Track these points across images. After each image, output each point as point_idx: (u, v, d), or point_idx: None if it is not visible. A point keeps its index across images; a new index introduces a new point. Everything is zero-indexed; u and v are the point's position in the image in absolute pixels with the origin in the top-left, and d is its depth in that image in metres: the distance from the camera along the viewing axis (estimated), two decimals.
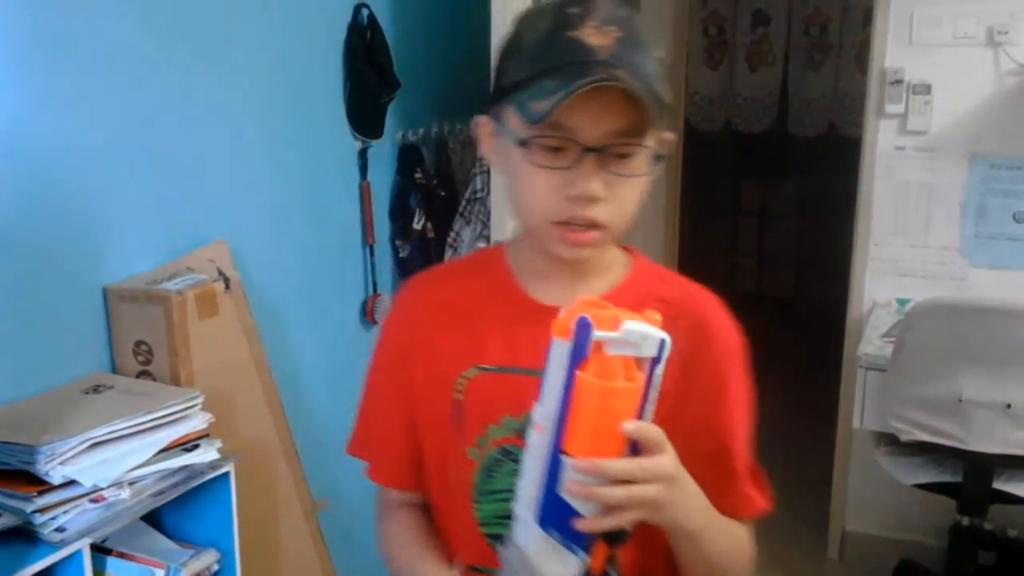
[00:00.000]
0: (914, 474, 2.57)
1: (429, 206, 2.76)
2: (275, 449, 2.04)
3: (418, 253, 2.75)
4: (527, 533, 0.81)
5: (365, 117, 2.56)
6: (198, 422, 1.67)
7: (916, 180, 3.00)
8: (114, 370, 1.80)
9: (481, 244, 2.52)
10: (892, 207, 3.03)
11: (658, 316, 0.83)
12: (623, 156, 0.94)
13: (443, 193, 2.82)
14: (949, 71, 2.92)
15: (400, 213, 2.73)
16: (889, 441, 2.61)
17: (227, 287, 1.92)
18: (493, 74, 1.02)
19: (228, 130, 2.10)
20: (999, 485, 2.45)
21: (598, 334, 0.78)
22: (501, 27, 2.21)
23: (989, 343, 2.33)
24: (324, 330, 2.48)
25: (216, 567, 1.69)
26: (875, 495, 3.14)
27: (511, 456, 1.01)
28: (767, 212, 5.90)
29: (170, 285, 1.79)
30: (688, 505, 0.92)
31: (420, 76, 2.77)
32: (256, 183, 2.20)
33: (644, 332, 0.79)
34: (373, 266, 2.64)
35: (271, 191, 2.25)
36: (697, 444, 0.97)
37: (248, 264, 2.13)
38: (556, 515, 0.80)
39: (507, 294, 1.06)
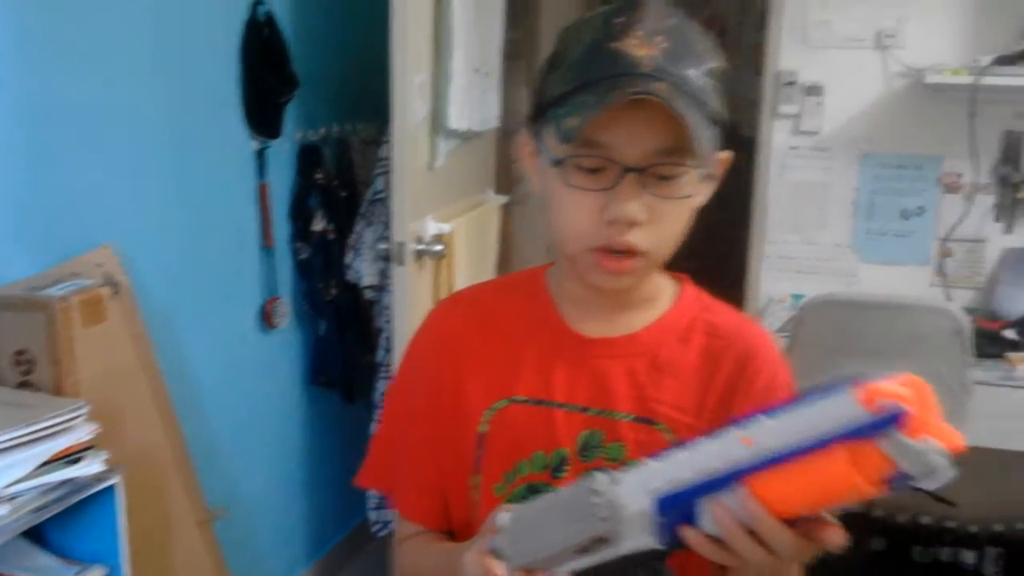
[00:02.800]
0: None
1: (330, 207, 2.73)
2: (166, 458, 1.98)
3: (319, 255, 2.72)
4: (637, 497, 0.75)
5: (262, 117, 2.51)
6: (82, 433, 1.61)
7: (809, 179, 3.09)
8: None
9: (383, 246, 2.50)
10: (787, 205, 3.11)
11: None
12: (666, 177, 0.88)
13: (344, 194, 2.79)
14: (840, 73, 3.01)
15: (300, 214, 2.69)
16: None
17: (115, 292, 1.86)
18: (536, 89, 0.96)
19: (117, 130, 2.03)
20: None
21: (899, 437, 0.65)
22: (401, 26, 2.19)
23: (877, 336, 2.42)
24: (220, 335, 2.43)
25: None
26: None
27: (556, 477, 0.97)
28: None
29: (53, 291, 1.73)
30: None
31: (320, 75, 2.73)
32: (147, 185, 2.14)
33: (935, 462, 0.65)
34: (272, 269, 2.60)
35: (163, 193, 2.19)
36: None
37: (139, 269, 2.07)
38: (676, 509, 0.74)
39: (545, 322, 1.01)
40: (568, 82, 0.89)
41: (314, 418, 2.87)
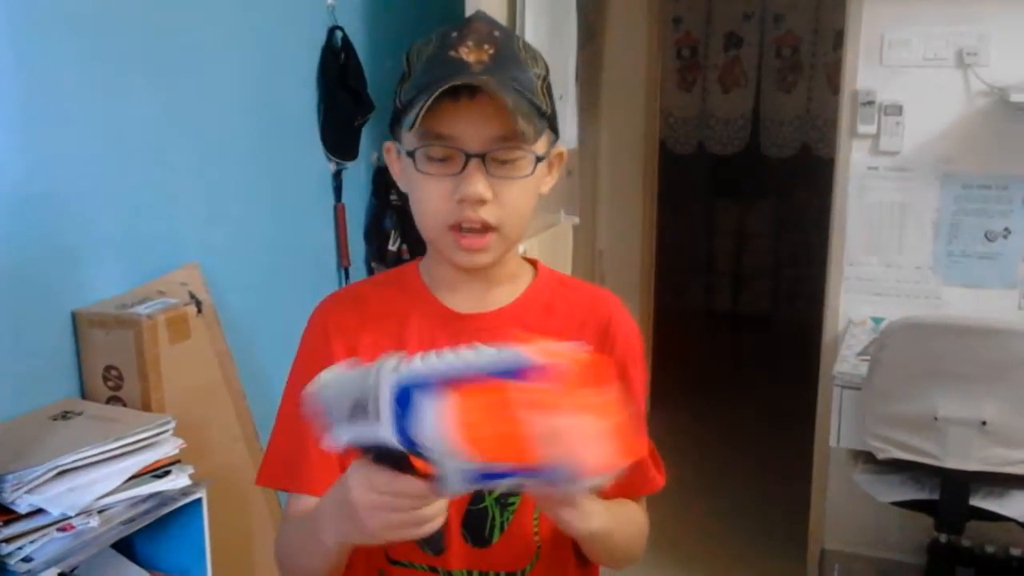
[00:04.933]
0: (891, 492, 2.57)
1: (404, 228, 2.75)
2: (249, 474, 2.00)
3: None
4: (388, 378, 0.79)
5: (339, 139, 2.55)
6: (169, 448, 1.65)
7: (889, 200, 3.03)
8: (84, 396, 1.78)
9: None
10: (866, 226, 3.05)
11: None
12: (505, 161, 1.02)
13: None
14: (920, 92, 2.95)
15: (375, 235, 2.72)
16: (866, 459, 2.62)
17: (199, 311, 1.90)
18: (394, 102, 1.09)
19: (202, 153, 2.09)
20: (976, 502, 2.46)
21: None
22: None
23: (962, 361, 2.35)
24: None
25: None
26: (853, 513, 3.14)
27: None
28: (743, 232, 5.93)
29: (140, 309, 1.77)
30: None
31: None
32: (230, 206, 2.19)
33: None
34: None
35: (245, 214, 2.24)
36: None
37: (221, 287, 2.11)
38: (404, 402, 0.77)
39: (423, 304, 1.11)
40: (415, 88, 1.02)
41: None
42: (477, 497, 1.05)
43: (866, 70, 2.98)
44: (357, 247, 2.68)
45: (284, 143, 2.37)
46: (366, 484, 0.83)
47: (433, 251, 1.10)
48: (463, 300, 1.10)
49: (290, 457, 1.11)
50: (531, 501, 1.05)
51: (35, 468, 1.45)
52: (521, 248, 2.41)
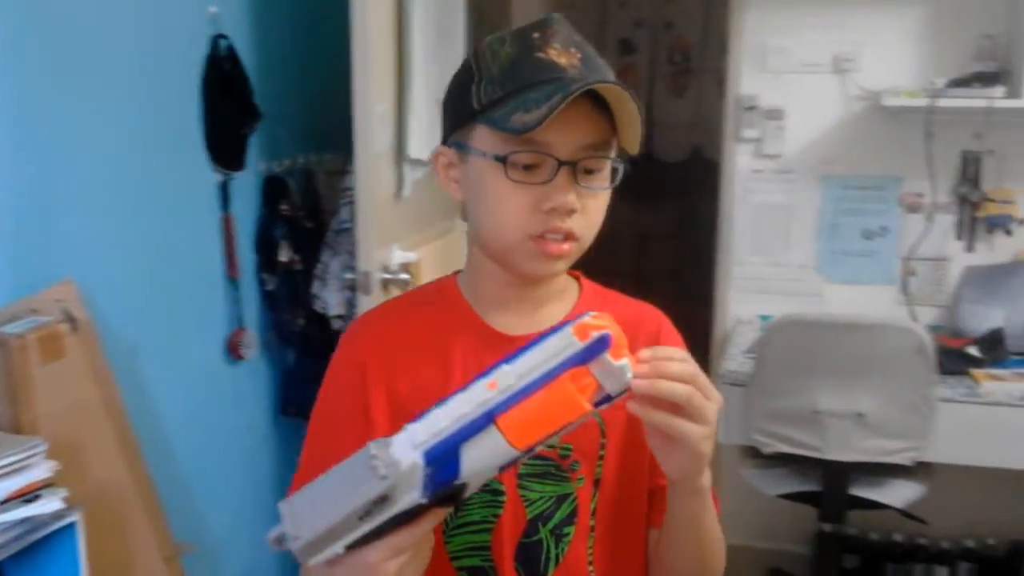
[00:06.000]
0: (777, 485, 2.66)
1: (295, 238, 2.72)
2: (130, 494, 1.96)
3: (285, 286, 2.71)
4: (408, 453, 0.79)
5: (225, 149, 2.51)
6: (41, 471, 1.59)
7: (773, 201, 3.13)
8: None
9: (349, 275, 2.50)
10: (752, 227, 3.15)
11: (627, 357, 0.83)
12: (591, 170, 0.99)
13: (310, 225, 2.79)
14: (800, 97, 3.06)
15: (265, 246, 2.69)
16: (753, 454, 2.70)
17: (74, 328, 1.84)
18: (449, 104, 1.04)
19: (79, 165, 2.02)
20: (856, 491, 2.56)
21: (606, 357, 0.80)
22: (362, 56, 2.20)
23: (840, 356, 2.44)
24: (185, 368, 2.41)
25: None
26: (744, 508, 3.22)
27: (485, 486, 0.98)
28: (643, 234, 6.02)
29: (9, 328, 1.71)
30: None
31: (283, 107, 2.74)
32: (109, 219, 2.13)
33: (627, 375, 0.82)
34: (238, 300, 2.59)
35: (125, 227, 2.18)
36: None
37: (101, 303, 2.05)
38: (440, 458, 0.79)
39: (469, 325, 1.06)
40: (503, 88, 0.97)
41: (285, 449, 2.85)
42: (531, 529, 1.02)
43: (749, 76, 3.08)
44: (247, 258, 2.65)
45: (167, 154, 2.32)
46: (387, 553, 0.80)
47: (489, 264, 1.05)
48: (513, 320, 1.05)
49: None
50: (585, 531, 1.03)
51: None
52: (413, 256, 2.43)
